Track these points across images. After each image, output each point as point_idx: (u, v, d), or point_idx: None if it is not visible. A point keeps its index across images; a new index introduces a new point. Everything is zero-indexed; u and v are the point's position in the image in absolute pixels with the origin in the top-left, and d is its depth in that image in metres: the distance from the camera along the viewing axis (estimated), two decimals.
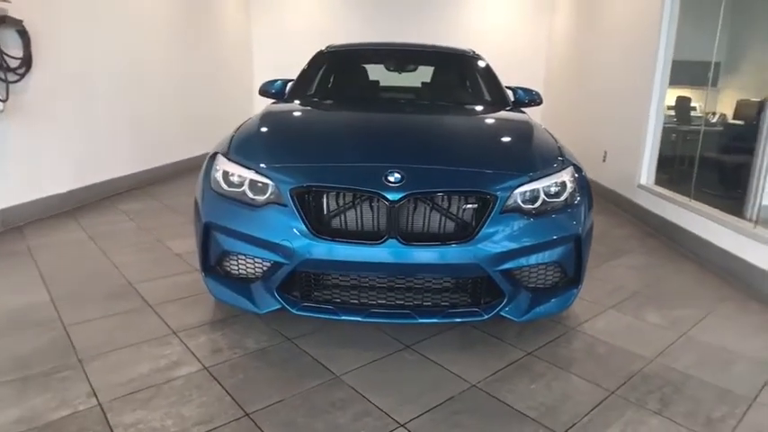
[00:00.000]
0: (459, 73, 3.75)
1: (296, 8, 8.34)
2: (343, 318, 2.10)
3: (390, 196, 1.97)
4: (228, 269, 2.29)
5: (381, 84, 3.85)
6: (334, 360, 2.13)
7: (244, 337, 2.30)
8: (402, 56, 3.79)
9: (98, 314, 2.49)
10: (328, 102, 3.40)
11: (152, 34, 5.58)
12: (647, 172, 4.39)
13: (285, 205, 2.07)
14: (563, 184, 2.22)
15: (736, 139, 6.13)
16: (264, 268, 2.19)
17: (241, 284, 2.26)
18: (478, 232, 2.02)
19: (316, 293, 2.18)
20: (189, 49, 6.40)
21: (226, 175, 2.25)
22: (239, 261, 2.25)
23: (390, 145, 2.32)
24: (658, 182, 4.47)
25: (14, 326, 2.35)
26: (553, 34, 7.91)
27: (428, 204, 2.01)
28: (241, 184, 2.20)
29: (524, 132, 2.57)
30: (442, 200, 2.02)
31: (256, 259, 2.19)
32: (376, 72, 3.81)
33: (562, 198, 2.21)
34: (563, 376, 2.07)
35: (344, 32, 8.20)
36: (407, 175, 2.02)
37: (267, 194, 2.14)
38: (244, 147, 2.35)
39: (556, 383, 2.02)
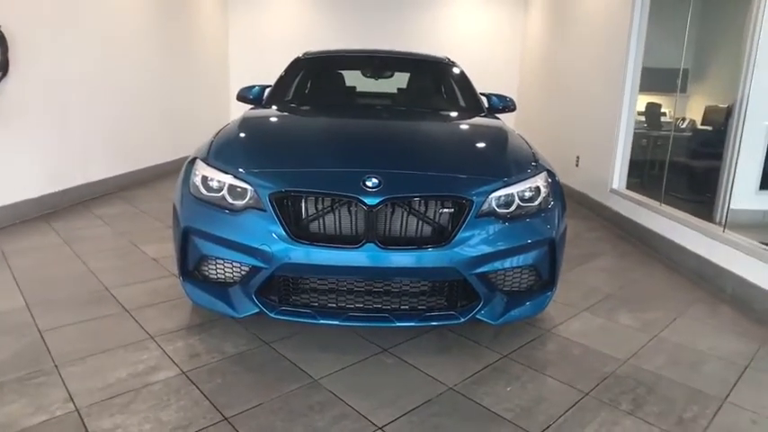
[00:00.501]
0: (434, 79, 3.80)
1: (273, 14, 8.33)
2: (320, 321, 2.12)
3: (368, 201, 2.00)
4: (206, 274, 2.29)
5: (358, 90, 3.89)
6: (313, 364, 2.14)
7: (222, 342, 2.30)
8: (378, 62, 3.83)
9: (74, 319, 2.46)
10: (306, 108, 3.42)
11: (129, 39, 5.52)
12: (618, 177, 4.50)
13: (264, 210, 2.08)
14: (537, 189, 2.28)
15: (705, 145, 6.31)
16: (242, 273, 2.20)
17: (219, 289, 2.26)
18: (455, 236, 2.06)
19: (293, 297, 2.20)
20: (166, 55, 6.34)
21: (205, 179, 2.25)
22: (217, 265, 2.25)
23: (367, 150, 2.36)
24: (630, 186, 4.59)
25: None
26: (526, 42, 8.05)
27: (405, 209, 2.04)
28: (220, 189, 2.21)
29: (499, 138, 2.63)
30: (419, 204, 2.06)
31: (234, 263, 2.20)
32: (353, 78, 3.84)
33: (536, 203, 2.26)
34: (538, 378, 2.11)
35: (321, 39, 8.22)
36: (384, 180, 2.05)
37: (246, 199, 2.15)
38: (223, 152, 2.36)
39: (531, 385, 2.06)
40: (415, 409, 1.87)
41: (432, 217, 2.07)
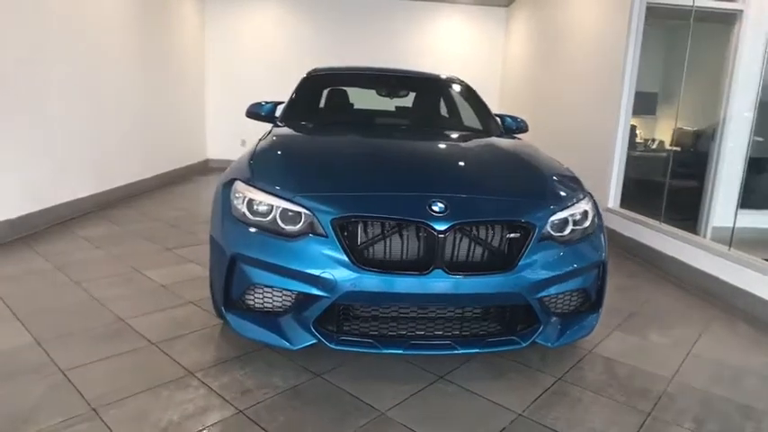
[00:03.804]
0: (451, 99, 3.81)
1: (250, 29, 8.18)
2: (383, 351, 2.04)
3: (437, 226, 1.95)
4: (253, 303, 2.16)
5: (379, 109, 3.84)
6: (373, 395, 2.05)
7: (270, 376, 2.17)
8: (395, 81, 3.80)
9: (97, 356, 2.26)
10: (334, 127, 3.33)
11: (107, 55, 5.24)
12: (614, 196, 4.65)
13: (324, 235, 1.99)
14: (585, 213, 2.30)
15: (678, 164, 6.67)
16: (295, 302, 2.09)
17: (268, 319, 2.14)
18: (519, 261, 2.04)
19: (347, 326, 2.11)
20: (142, 70, 6.05)
21: (251, 203, 2.14)
22: (265, 295, 2.14)
23: (424, 173, 2.32)
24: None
25: (4, 374, 2.08)
26: (507, 63, 8.27)
27: (472, 233, 2.01)
28: (268, 213, 2.10)
29: (540, 160, 2.65)
30: (486, 229, 2.03)
31: (286, 292, 2.09)
32: (369, 96, 3.80)
33: (585, 226, 2.28)
34: (599, 400, 2.12)
35: (299, 52, 8.17)
36: (450, 205, 2.01)
37: (300, 224, 2.05)
38: (269, 174, 2.25)
39: (595, 408, 2.06)
40: None
41: (497, 242, 2.05)
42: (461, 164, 2.56)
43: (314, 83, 3.64)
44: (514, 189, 2.28)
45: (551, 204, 2.19)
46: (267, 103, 3.41)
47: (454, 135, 3.26)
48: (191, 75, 7.57)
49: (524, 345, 2.13)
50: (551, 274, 2.10)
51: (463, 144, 3.02)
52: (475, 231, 2.01)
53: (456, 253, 2.00)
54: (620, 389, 2.21)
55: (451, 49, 8.43)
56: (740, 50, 4.45)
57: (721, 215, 4.68)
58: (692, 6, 4.13)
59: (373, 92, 3.84)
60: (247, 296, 2.15)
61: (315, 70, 3.77)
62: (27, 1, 3.92)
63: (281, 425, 1.85)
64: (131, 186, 5.77)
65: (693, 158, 5.95)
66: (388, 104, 3.92)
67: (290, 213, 2.07)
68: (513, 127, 3.56)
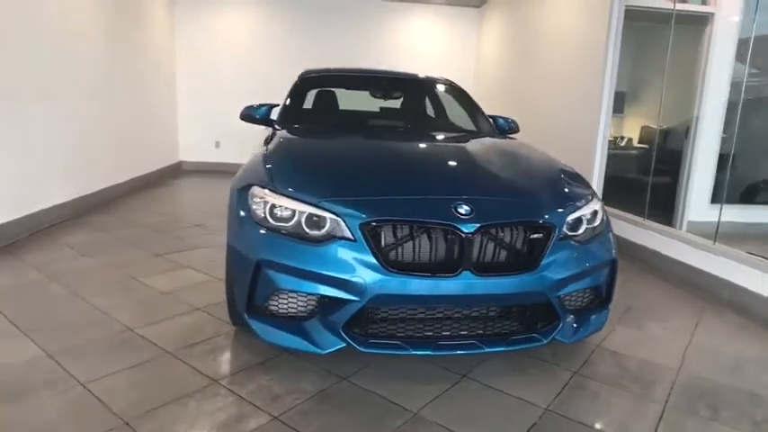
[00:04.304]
0: (450, 101, 3.86)
1: (223, 30, 8.03)
2: (412, 352, 2.07)
3: (465, 228, 1.99)
4: (276, 309, 2.16)
5: (378, 110, 3.86)
6: (403, 396, 2.08)
7: (296, 380, 2.16)
8: (391, 83, 3.83)
9: (114, 367, 2.20)
10: (342, 129, 3.34)
11: (80, 56, 5.06)
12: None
13: (353, 240, 2.01)
14: (595, 212, 2.39)
15: (648, 161, 6.94)
16: (321, 306, 2.10)
17: (293, 325, 2.14)
18: (541, 260, 2.11)
19: (373, 329, 2.12)
20: (113, 71, 5.82)
21: (273, 209, 2.13)
22: (290, 300, 2.13)
23: (446, 176, 2.36)
24: None
25: (20, 389, 2.01)
26: (480, 63, 8.40)
27: (498, 235, 2.06)
28: (291, 219, 2.10)
29: (548, 161, 2.73)
30: (510, 230, 2.09)
31: (311, 297, 2.10)
32: (361, 98, 3.81)
33: (596, 224, 2.37)
34: (616, 393, 2.21)
35: (272, 55, 8.07)
36: (475, 207, 2.06)
37: (325, 229, 2.06)
38: (291, 179, 2.24)
39: (614, 400, 2.15)
40: None
41: (521, 242, 2.11)
42: (476, 166, 2.61)
43: (308, 85, 3.63)
44: (532, 190, 2.35)
45: (567, 204, 2.27)
46: (261, 105, 3.38)
47: (457, 137, 3.32)
48: (161, 76, 7.38)
49: (546, 342, 2.20)
50: (570, 272, 2.17)
51: (469, 146, 3.07)
52: (500, 233, 2.07)
53: (482, 254, 2.05)
54: (634, 381, 2.31)
55: (425, 49, 8.50)
56: (711, 52, 4.68)
57: (695, 210, 4.92)
58: (673, 10, 4.31)
59: (367, 93, 3.86)
60: (271, 302, 2.14)
61: (308, 72, 3.76)
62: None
63: (317, 429, 1.85)
64: (107, 192, 5.58)
65: (664, 156, 6.21)
66: (380, 105, 3.94)
67: (315, 218, 2.08)
68: (506, 128, 3.65)
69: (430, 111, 3.86)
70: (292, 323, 2.14)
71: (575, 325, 2.32)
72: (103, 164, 5.58)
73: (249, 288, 2.12)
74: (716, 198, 4.90)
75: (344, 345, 2.06)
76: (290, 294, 2.12)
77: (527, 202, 2.23)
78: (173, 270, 3.47)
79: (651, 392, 2.22)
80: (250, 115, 3.34)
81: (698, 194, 4.90)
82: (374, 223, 2.00)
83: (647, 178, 6.04)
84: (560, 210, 2.22)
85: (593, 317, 2.40)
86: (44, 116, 4.34)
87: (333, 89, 3.72)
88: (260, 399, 2.02)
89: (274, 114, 3.40)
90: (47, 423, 1.82)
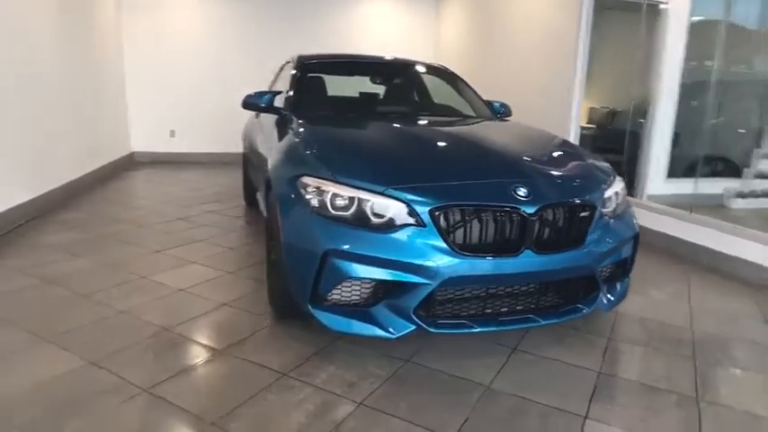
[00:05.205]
0: (445, 86, 3.94)
1: (172, 13, 7.57)
2: (478, 330, 2.16)
3: (527, 209, 2.10)
4: (339, 298, 2.17)
5: (383, 97, 3.87)
6: (468, 371, 2.18)
7: (362, 366, 2.20)
8: (389, 69, 3.84)
9: (170, 370, 2.13)
10: (360, 115, 3.37)
11: (23, 47, 4.63)
12: None
13: (422, 225, 2.06)
14: (621, 190, 2.58)
15: (595, 139, 7.38)
16: (386, 291, 2.14)
17: (360, 311, 2.16)
18: (587, 236, 2.26)
19: (439, 309, 2.19)
20: (61, 59, 5.36)
21: (335, 198, 2.13)
22: (354, 288, 2.16)
23: (498, 159, 2.45)
24: None
25: (81, 401, 1.90)
26: (440, 47, 8.49)
27: (553, 214, 2.19)
28: (350, 207, 2.12)
29: (571, 144, 2.90)
30: (563, 209, 2.22)
31: (377, 283, 2.13)
32: (360, 84, 3.81)
33: (620, 201, 2.57)
34: (649, 353, 2.42)
35: (228, 39, 7.77)
36: (532, 189, 2.17)
37: (389, 215, 2.10)
38: (349, 168, 2.24)
39: (652, 359, 2.36)
40: (596, 395, 2.04)
41: (570, 220, 2.24)
42: (515, 149, 2.71)
43: (309, 71, 3.58)
44: (571, 171, 2.49)
45: (601, 183, 2.44)
46: (265, 93, 3.30)
47: (474, 121, 3.43)
48: (109, 62, 6.87)
49: (590, 311, 2.37)
50: (608, 246, 2.34)
51: (494, 129, 3.18)
52: (556, 212, 2.19)
53: (542, 233, 2.17)
54: (660, 341, 2.55)
55: (381, 34, 8.48)
56: (666, 39, 5.06)
57: (654, 184, 5.34)
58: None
59: (364, 79, 3.86)
60: (336, 291, 2.15)
61: (305, 58, 3.70)
62: None
63: (407, 410, 1.91)
64: (67, 188, 5.18)
65: (614, 135, 6.63)
66: (382, 91, 3.95)
67: (380, 205, 2.10)
68: (501, 111, 3.79)
69: (434, 96, 3.92)
70: (359, 310, 2.17)
71: (608, 294, 2.51)
72: (62, 161, 5.17)
73: (314, 279, 2.12)
74: (671, 173, 5.37)
75: (415, 327, 2.12)
76: (353, 282, 2.14)
77: (573, 182, 2.37)
78: (179, 267, 3.33)
79: (678, 350, 2.46)
80: (254, 104, 3.25)
81: (655, 170, 5.31)
82: (443, 208, 2.06)
83: (604, 156, 6.40)
84: (599, 188, 2.39)
85: (619, 285, 2.61)
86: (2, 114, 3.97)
87: (340, 76, 3.70)
88: (337, 387, 2.04)
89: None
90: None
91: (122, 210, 4.85)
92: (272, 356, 2.26)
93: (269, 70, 4.74)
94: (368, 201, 2.10)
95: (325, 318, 2.16)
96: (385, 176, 2.17)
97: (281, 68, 4.47)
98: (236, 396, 1.96)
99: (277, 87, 4.18)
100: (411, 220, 2.07)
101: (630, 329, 2.67)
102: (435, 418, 1.87)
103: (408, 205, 2.07)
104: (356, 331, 2.16)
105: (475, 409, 1.93)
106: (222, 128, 7.45)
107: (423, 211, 2.06)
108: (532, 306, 2.30)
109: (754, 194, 5.38)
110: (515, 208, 2.09)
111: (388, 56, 4.02)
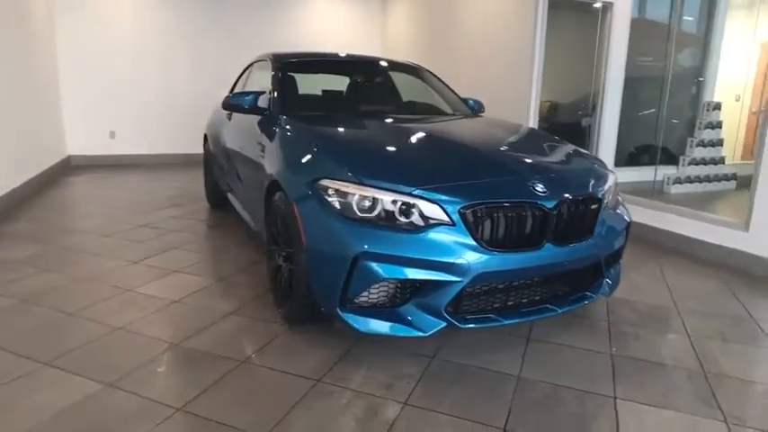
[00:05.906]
0: (425, 85, 3.97)
1: (108, 17, 7.08)
2: (505, 323, 2.23)
3: (547, 204, 2.19)
4: (367, 299, 2.17)
5: (366, 95, 3.84)
6: (495, 363, 2.25)
7: (393, 367, 2.21)
8: (368, 68, 3.82)
9: (199, 386, 2.03)
10: (362, 116, 3.35)
11: None
12: None
13: (452, 224, 2.09)
14: (615, 183, 2.75)
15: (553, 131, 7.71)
16: (415, 290, 2.16)
17: (389, 312, 2.17)
18: (595, 228, 2.40)
19: (466, 305, 2.24)
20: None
21: (361, 200, 2.12)
22: (382, 288, 2.16)
23: (507, 157, 2.52)
24: None
25: (113, 427, 1.78)
26: (388, 45, 8.52)
27: (569, 208, 2.29)
28: (375, 208, 2.12)
29: (565, 141, 3.03)
30: (577, 203, 2.33)
31: (406, 283, 2.14)
32: (337, 82, 3.78)
33: (613, 193, 2.73)
34: (649, 333, 2.60)
35: (168, 41, 7.38)
36: (549, 185, 2.27)
37: (414, 216, 2.12)
38: (373, 169, 2.22)
39: (653, 338, 2.54)
40: (617, 377, 2.18)
41: (582, 213, 2.36)
42: (520, 146, 2.80)
43: (290, 71, 3.50)
44: (577, 166, 2.63)
45: (602, 176, 2.59)
46: (248, 94, 3.20)
47: (460, 118, 3.51)
48: (41, 62, 6.31)
49: (596, 297, 2.51)
50: (612, 235, 2.50)
51: (489, 127, 3.25)
52: (572, 206, 2.30)
53: (560, 227, 2.27)
54: (652, 321, 2.74)
55: (326, 30, 8.40)
56: (611, 36, 5.39)
57: None
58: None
59: (340, 77, 3.83)
60: (364, 293, 2.15)
61: (283, 56, 3.61)
62: None
63: (451, 406, 1.95)
64: (5, 199, 4.74)
65: (560, 127, 6.99)
66: (361, 89, 3.93)
67: (407, 206, 2.11)
68: (476, 108, 3.90)
69: (414, 94, 3.95)
70: (388, 311, 2.17)
71: (608, 281, 2.67)
72: None
73: (344, 282, 2.10)
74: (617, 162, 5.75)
75: (445, 324, 2.16)
76: (385, 283, 2.14)
77: (582, 177, 2.49)
78: (162, 277, 3.17)
79: (671, 328, 2.67)
80: (238, 105, 3.15)
81: (604, 160, 5.64)
82: (472, 206, 2.10)
83: None
84: (602, 182, 2.53)
85: (613, 272, 2.78)
86: None
87: (321, 75, 3.64)
88: (376, 389, 2.04)
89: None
90: None
91: (74, 219, 4.52)
92: (299, 363, 2.22)
93: (214, 69, 4.56)
94: (396, 202, 2.11)
95: (356, 320, 2.15)
96: (412, 177, 2.19)
97: (249, 68, 4.33)
98: (278, 407, 1.91)
99: (249, 87, 4.05)
100: (441, 220, 2.10)
101: (624, 312, 2.85)
102: (481, 411, 1.92)
103: (438, 205, 2.10)
104: (387, 332, 2.16)
105: (514, 399, 2.00)
106: (167, 128, 7.10)
107: (452, 210, 2.09)
108: (548, 296, 2.40)
109: (689, 180, 5.87)
110: (537, 203, 2.18)
111: (364, 55, 4.01)
